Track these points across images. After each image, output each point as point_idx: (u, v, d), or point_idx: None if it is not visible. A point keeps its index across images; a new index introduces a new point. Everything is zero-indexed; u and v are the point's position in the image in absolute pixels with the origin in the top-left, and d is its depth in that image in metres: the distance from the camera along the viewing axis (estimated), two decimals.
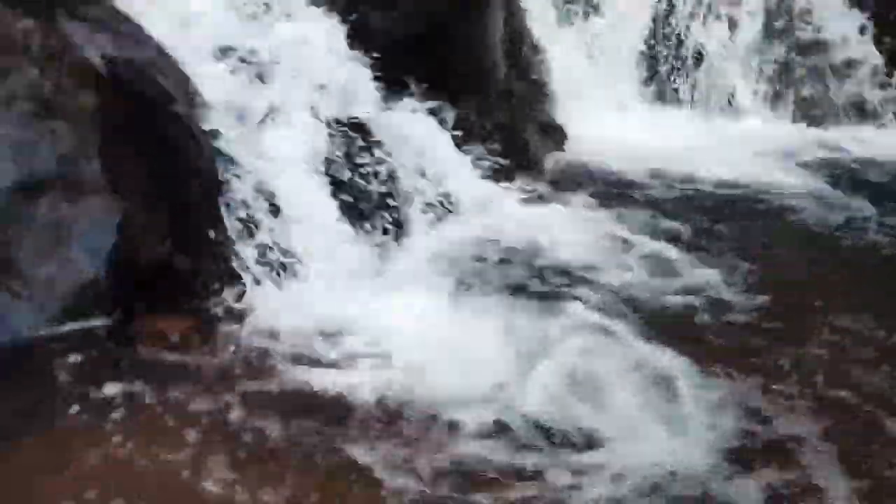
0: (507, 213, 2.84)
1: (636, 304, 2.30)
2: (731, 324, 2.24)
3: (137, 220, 1.93)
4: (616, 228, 2.81)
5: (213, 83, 2.40)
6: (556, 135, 3.67)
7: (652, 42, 4.22)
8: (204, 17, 2.63)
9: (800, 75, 4.39)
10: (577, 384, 1.88)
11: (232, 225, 2.20)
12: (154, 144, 2.04)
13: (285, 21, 2.73)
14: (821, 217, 3.11)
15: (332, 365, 1.86)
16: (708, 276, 2.50)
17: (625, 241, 2.70)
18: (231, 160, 2.28)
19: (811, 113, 4.34)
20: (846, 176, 3.65)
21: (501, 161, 3.13)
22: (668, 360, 1.98)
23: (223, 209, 2.20)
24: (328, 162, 2.47)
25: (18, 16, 1.87)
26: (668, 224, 2.90)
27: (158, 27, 2.36)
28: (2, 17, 1.87)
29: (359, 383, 1.80)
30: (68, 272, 1.84)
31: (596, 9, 4.16)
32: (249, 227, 2.22)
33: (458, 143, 3.03)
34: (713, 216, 3.07)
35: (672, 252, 2.64)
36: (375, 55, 2.88)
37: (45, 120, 1.84)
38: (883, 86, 4.34)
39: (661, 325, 2.19)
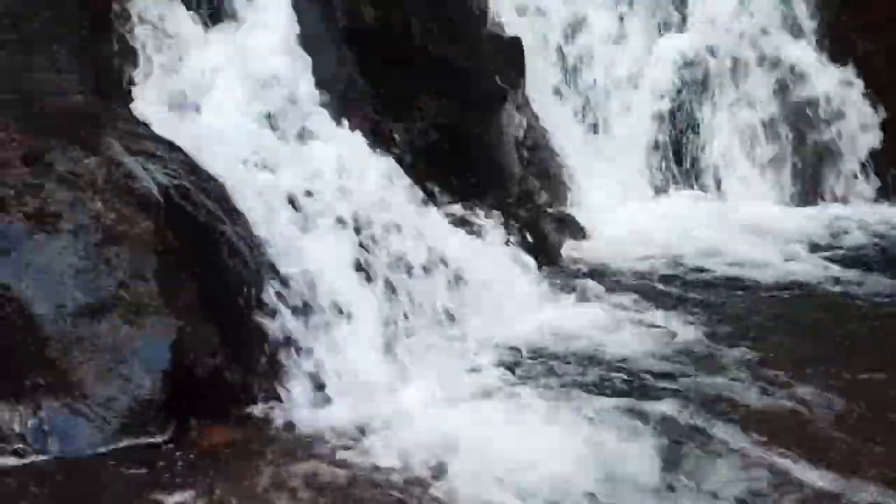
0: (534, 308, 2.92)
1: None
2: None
3: (190, 336, 2.05)
4: (651, 319, 2.86)
5: (254, 199, 2.57)
6: (572, 227, 3.82)
7: (662, 131, 4.37)
8: (242, 132, 2.82)
9: (804, 158, 4.52)
10: None
11: (277, 333, 2.32)
12: (204, 264, 2.18)
13: (318, 140, 2.91)
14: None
15: (389, 472, 1.92)
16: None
17: (668, 335, 2.77)
18: (275, 271, 2.42)
19: (817, 193, 4.45)
20: (853, 255, 3.73)
21: (523, 257, 3.26)
22: None
23: (268, 319, 2.33)
24: (367, 265, 2.59)
25: (87, 154, 2.04)
26: (701, 317, 2.92)
27: (198, 142, 2.57)
28: (71, 155, 2.04)
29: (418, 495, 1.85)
30: (127, 390, 1.95)
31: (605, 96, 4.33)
32: (293, 336, 2.33)
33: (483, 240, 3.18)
34: (737, 306, 3.12)
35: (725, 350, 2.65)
36: (401, 163, 3.06)
37: (108, 247, 1.99)
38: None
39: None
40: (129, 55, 2.87)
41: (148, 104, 2.76)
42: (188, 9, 3.04)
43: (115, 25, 2.87)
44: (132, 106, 2.67)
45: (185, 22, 3.02)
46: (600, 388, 2.41)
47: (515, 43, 3.91)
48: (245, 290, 2.29)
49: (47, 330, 1.93)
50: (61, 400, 1.92)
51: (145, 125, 2.53)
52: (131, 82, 2.79)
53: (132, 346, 1.97)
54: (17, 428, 1.90)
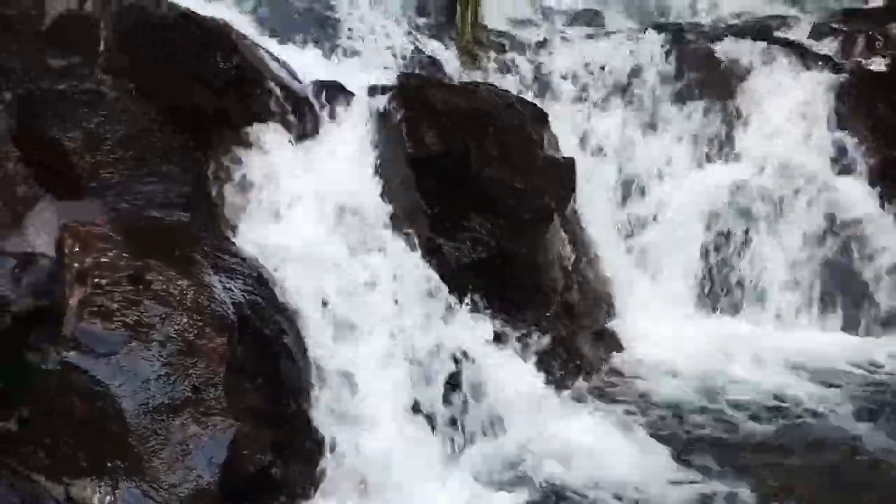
0: (562, 428, 3.20)
1: None
2: None
3: (246, 436, 2.45)
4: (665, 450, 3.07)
5: (313, 305, 2.99)
6: (610, 343, 4.11)
7: (709, 256, 4.61)
8: (316, 247, 3.27)
9: (854, 284, 4.67)
10: None
11: (318, 436, 2.71)
12: (265, 373, 2.60)
13: (378, 253, 3.34)
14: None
15: None
16: None
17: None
18: (323, 378, 2.82)
19: (861, 322, 4.60)
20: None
21: (558, 372, 3.58)
22: None
23: (313, 422, 2.73)
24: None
25: (180, 276, 2.51)
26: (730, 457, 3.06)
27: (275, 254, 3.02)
28: (168, 275, 2.50)
29: None
30: (189, 480, 2.36)
31: (653, 218, 4.65)
32: (335, 438, 2.72)
33: (519, 356, 3.52)
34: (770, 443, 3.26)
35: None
36: (449, 278, 3.45)
37: (186, 357, 2.43)
38: None
39: None
40: (225, 171, 3.38)
41: (236, 213, 3.27)
42: (283, 127, 3.56)
43: (217, 145, 3.39)
44: (223, 217, 3.16)
45: (278, 139, 3.53)
46: None
47: (569, 164, 4.27)
48: (296, 395, 2.69)
49: (130, 422, 2.37)
50: (135, 482, 2.34)
51: (228, 239, 3.00)
52: (222, 197, 3.30)
53: (198, 441, 2.39)
54: (95, 502, 2.33)
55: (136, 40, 3.27)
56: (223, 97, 3.46)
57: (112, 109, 3.15)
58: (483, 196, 3.77)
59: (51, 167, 3.02)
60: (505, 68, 4.81)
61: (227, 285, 2.63)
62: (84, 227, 2.68)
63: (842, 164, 4.70)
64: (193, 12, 3.50)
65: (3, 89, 3.00)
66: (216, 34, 3.50)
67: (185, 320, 2.46)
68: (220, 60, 3.45)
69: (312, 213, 3.44)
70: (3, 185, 2.89)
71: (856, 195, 4.64)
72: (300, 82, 3.86)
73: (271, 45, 4.06)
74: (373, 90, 3.84)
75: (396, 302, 3.26)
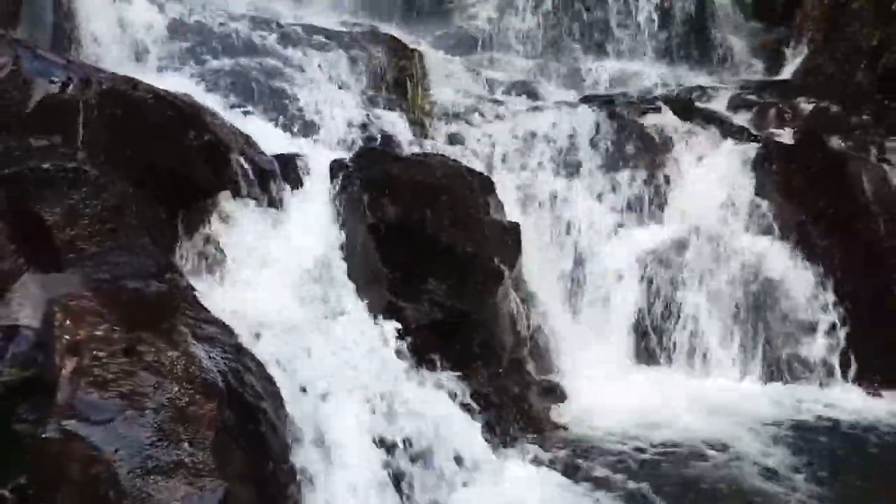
0: (509, 486, 3.50)
1: None
2: None
3: (234, 494, 2.68)
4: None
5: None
6: (555, 396, 4.45)
7: (641, 305, 5.04)
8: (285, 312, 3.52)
9: (772, 335, 5.15)
10: None
11: (297, 494, 2.95)
12: (248, 436, 2.84)
13: (342, 317, 3.62)
14: None
15: None
16: None
17: None
18: (299, 439, 3.07)
19: (782, 371, 5.07)
20: (808, 438, 4.29)
21: (508, 427, 3.89)
22: None
23: (292, 480, 2.96)
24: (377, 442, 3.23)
25: (168, 346, 2.74)
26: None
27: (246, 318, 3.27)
28: (157, 346, 2.74)
29: None
30: None
31: (592, 278, 5.06)
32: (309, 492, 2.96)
33: (471, 413, 3.81)
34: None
35: None
36: (409, 339, 3.75)
37: (178, 423, 2.66)
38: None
39: None
40: (196, 241, 3.63)
41: (209, 282, 3.51)
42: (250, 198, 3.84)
43: (188, 216, 3.65)
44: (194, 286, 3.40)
45: (245, 210, 3.80)
46: None
47: (515, 227, 4.66)
48: (276, 456, 2.93)
49: (126, 485, 2.57)
50: None
51: (205, 308, 3.24)
52: (194, 266, 3.54)
53: (189, 501, 2.60)
54: None
55: (114, 121, 3.52)
56: (194, 171, 3.72)
57: (91, 186, 3.38)
58: (439, 260, 4.11)
59: (33, 242, 3.21)
60: (453, 138, 5.22)
61: (211, 354, 2.87)
62: (73, 300, 2.89)
63: (760, 226, 5.23)
64: (167, 92, 3.78)
65: None
66: (188, 113, 3.78)
67: (176, 389, 2.69)
68: (192, 138, 3.72)
69: (279, 279, 3.71)
70: None
71: (773, 255, 5.16)
72: (265, 154, 4.16)
73: (236, 117, 4.36)
74: (334, 164, 4.16)
75: (358, 365, 3.53)
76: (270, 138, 4.33)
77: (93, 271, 3.23)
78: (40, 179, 3.28)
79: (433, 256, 4.12)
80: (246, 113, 4.44)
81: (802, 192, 5.27)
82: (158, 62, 4.55)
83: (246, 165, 3.91)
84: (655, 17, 7.19)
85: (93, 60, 4.22)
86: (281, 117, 4.56)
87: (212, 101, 4.28)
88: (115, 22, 4.47)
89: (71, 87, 3.43)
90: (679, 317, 5.07)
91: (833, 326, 5.06)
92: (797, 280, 5.14)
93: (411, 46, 5.45)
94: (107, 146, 3.48)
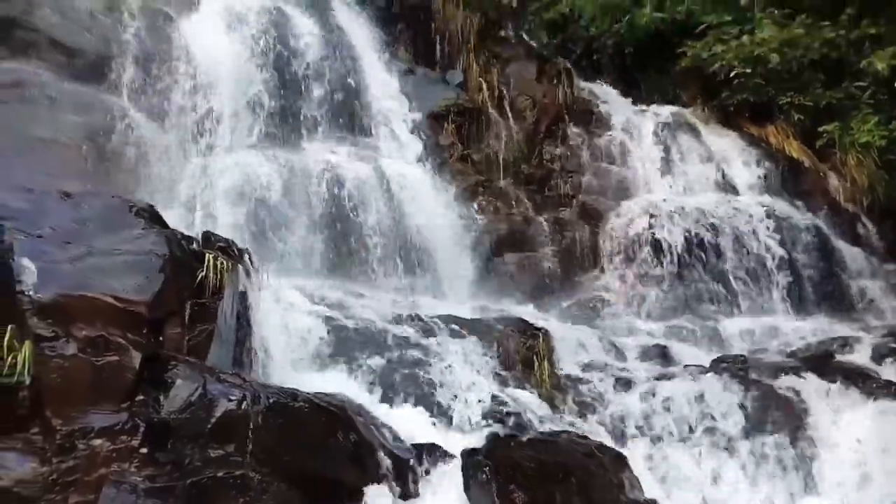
0: None
1: None
2: None
3: None
4: None
5: None
6: None
7: None
8: None
9: None
10: None
11: None
12: None
13: None
14: None
15: None
16: None
17: None
18: None
19: None
20: None
21: None
22: None
23: None
24: None
25: None
26: None
27: None
28: None
29: None
30: None
31: None
32: None
33: None
34: None
35: None
36: None
37: None
38: None
39: None
40: None
41: None
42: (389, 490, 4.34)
43: None
44: None
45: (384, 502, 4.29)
46: None
47: None
48: None
49: None
50: None
51: None
52: None
53: None
54: None
55: (277, 430, 4.22)
56: (342, 471, 4.31)
57: (256, 490, 4.02)
58: None
59: None
60: (583, 411, 5.58)
61: None
62: None
63: None
64: (321, 398, 4.49)
65: (177, 478, 3.91)
66: (338, 416, 4.45)
67: None
68: (341, 439, 4.35)
69: None
70: None
71: None
72: (403, 443, 4.71)
73: (381, 409, 5.00)
74: (466, 453, 4.63)
75: None
76: (412, 427, 4.90)
77: None
78: (216, 486, 3.96)
79: None
80: (391, 405, 5.08)
81: None
82: (319, 362, 5.36)
83: (386, 459, 4.45)
84: (785, 268, 7.49)
85: (264, 367, 5.07)
86: (420, 406, 5.16)
87: (363, 396, 4.97)
88: (279, 329, 5.38)
89: (244, 403, 4.20)
90: None
91: None
92: None
93: (538, 324, 6.03)
94: (270, 452, 4.16)
